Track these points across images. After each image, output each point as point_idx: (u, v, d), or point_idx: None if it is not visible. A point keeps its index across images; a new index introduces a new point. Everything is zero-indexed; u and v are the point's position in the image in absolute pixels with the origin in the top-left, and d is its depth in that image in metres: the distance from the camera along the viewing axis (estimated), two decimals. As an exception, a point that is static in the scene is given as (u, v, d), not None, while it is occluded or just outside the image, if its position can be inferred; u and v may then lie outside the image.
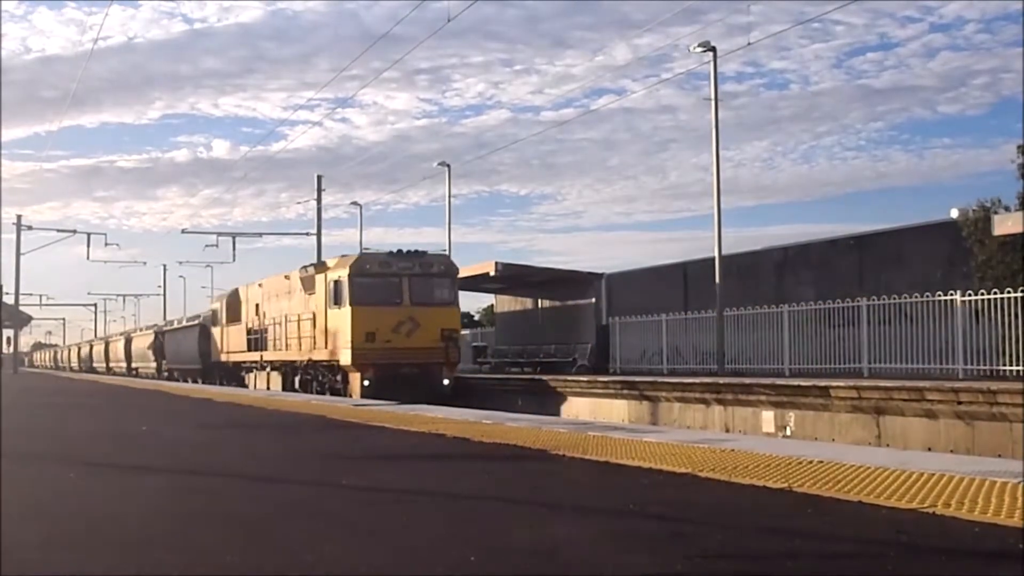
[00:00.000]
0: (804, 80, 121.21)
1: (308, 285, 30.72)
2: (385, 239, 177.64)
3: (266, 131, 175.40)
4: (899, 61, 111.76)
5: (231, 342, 40.68)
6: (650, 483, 7.11)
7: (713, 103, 28.14)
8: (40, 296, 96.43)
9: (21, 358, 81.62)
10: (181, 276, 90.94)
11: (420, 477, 7.93)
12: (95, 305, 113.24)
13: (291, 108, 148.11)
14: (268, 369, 35.23)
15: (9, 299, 58.28)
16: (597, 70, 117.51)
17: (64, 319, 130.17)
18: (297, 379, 31.51)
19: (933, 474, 6.70)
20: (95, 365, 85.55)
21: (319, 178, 48.11)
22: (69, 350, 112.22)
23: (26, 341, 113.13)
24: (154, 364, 58.32)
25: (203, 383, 42.39)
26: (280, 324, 33.87)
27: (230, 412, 18.25)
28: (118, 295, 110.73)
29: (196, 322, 48.76)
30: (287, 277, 33.46)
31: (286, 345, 33.11)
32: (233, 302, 41.22)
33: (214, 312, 43.97)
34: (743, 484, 6.72)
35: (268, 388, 33.65)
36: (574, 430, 11.28)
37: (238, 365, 39.67)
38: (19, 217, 60.52)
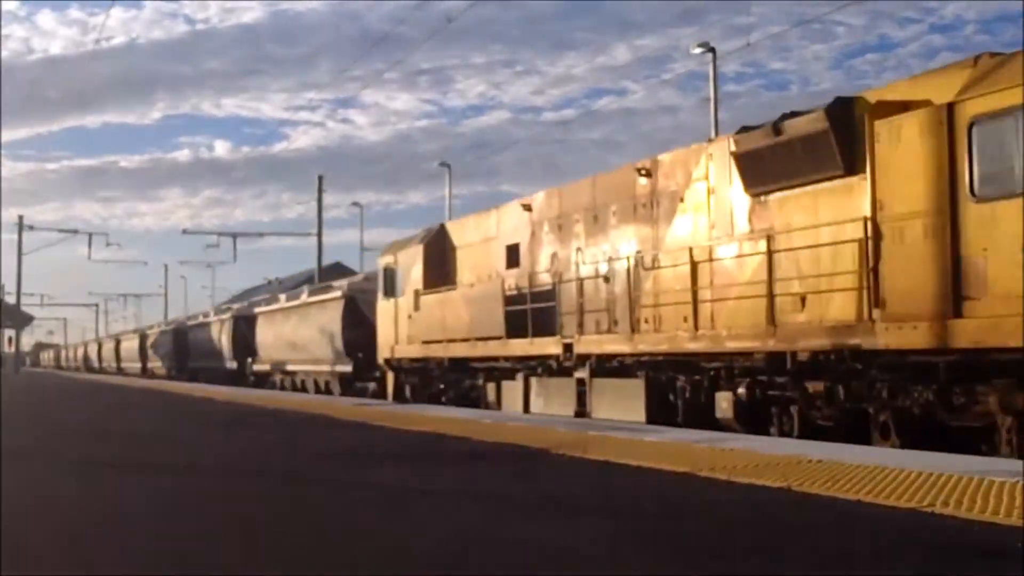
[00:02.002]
0: (804, 81, 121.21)
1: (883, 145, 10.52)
2: (386, 239, 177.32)
3: (267, 131, 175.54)
4: (899, 62, 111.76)
5: (439, 322, 19.85)
6: (650, 482, 7.13)
7: (713, 104, 28.18)
8: (41, 296, 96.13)
9: (23, 358, 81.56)
10: (182, 276, 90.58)
11: (420, 476, 7.94)
12: (96, 305, 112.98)
13: (292, 109, 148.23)
14: (584, 371, 15.35)
15: (11, 299, 58.34)
16: (597, 71, 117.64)
17: (65, 319, 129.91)
18: (744, 391, 12.30)
19: (932, 473, 6.71)
20: (124, 365, 65.32)
21: (320, 178, 48.13)
22: (85, 347, 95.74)
23: (27, 341, 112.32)
24: (232, 364, 39.09)
25: (343, 394, 26.77)
26: (620, 273, 14.88)
27: (231, 411, 18.25)
28: (119, 295, 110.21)
29: (335, 294, 28.35)
30: (643, 172, 14.80)
31: (679, 319, 13.60)
32: (437, 249, 21.13)
33: (386, 272, 22.79)
34: (742, 483, 6.73)
35: (581, 413, 15.12)
36: (575, 430, 11.30)
37: (462, 364, 19.45)
38: (21, 217, 60.57)
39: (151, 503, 6.73)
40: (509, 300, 17.35)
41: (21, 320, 58.57)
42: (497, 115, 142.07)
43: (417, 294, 20.81)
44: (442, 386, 20.36)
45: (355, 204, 64.54)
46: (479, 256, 19.60)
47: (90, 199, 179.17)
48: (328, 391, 28.27)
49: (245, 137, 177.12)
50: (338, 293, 28.02)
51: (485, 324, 17.83)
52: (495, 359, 17.97)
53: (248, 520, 5.94)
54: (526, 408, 16.61)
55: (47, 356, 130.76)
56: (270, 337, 34.48)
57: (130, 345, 63.82)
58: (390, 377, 22.70)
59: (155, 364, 55.01)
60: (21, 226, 59.40)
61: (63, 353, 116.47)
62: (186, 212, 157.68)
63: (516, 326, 16.95)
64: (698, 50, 28.76)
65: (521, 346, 16.98)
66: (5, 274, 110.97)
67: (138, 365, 59.32)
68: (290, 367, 32.28)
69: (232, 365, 39.20)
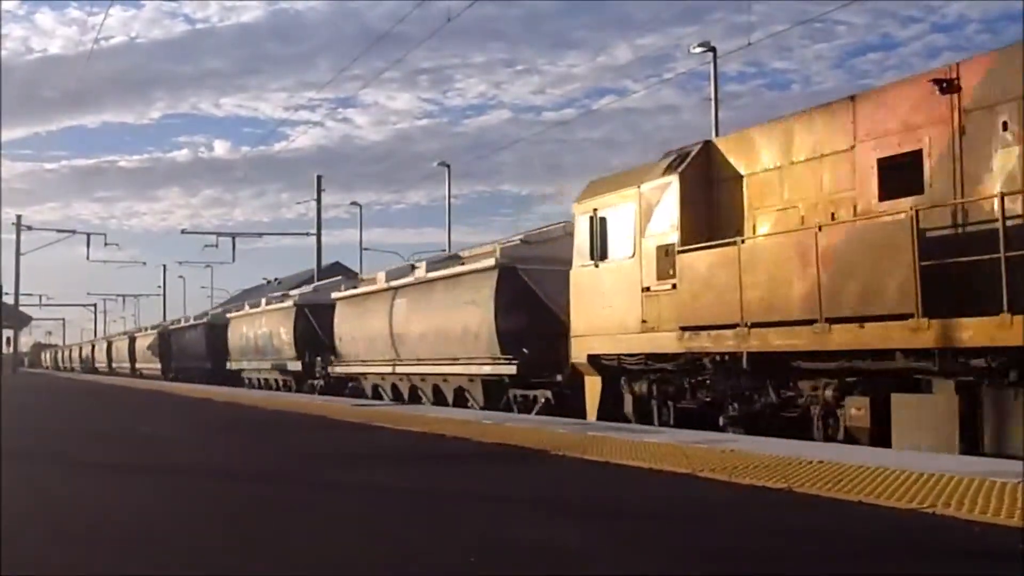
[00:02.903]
0: (806, 80, 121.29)
1: None
2: (386, 239, 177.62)
3: (267, 131, 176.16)
4: (901, 61, 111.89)
5: (726, 295, 11.74)
6: (651, 483, 7.12)
7: (713, 103, 28.18)
8: (40, 296, 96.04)
9: (20, 359, 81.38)
10: (180, 276, 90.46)
11: (420, 477, 7.93)
12: (95, 305, 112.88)
13: (292, 108, 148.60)
14: None
15: (9, 299, 58.35)
16: (598, 70, 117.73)
17: (64, 319, 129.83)
18: None
19: (933, 474, 6.70)
20: (140, 367, 57.90)
21: (319, 178, 48.07)
22: (92, 346, 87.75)
23: (25, 341, 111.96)
24: (293, 365, 30.90)
25: (486, 406, 18.54)
26: None
27: (230, 412, 18.24)
28: (117, 295, 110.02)
29: (485, 263, 19.34)
30: None
31: None
32: (702, 181, 13.21)
33: (592, 225, 14.61)
34: (743, 484, 6.72)
35: None
36: (575, 430, 11.28)
37: (774, 364, 11.40)
38: (19, 217, 60.56)
39: (149, 504, 6.73)
40: (923, 250, 9.58)
41: (20, 320, 58.58)
42: (497, 114, 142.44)
43: (668, 253, 12.91)
44: (708, 397, 12.59)
45: (354, 204, 64.34)
46: (800, 183, 11.85)
47: (88, 199, 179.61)
48: (460, 400, 19.81)
49: (244, 137, 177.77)
50: (489, 262, 18.78)
51: (860, 292, 10.17)
52: (887, 355, 10.07)
53: (244, 522, 5.93)
54: (975, 445, 9.05)
55: (47, 356, 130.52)
56: (358, 330, 25.19)
57: (147, 343, 55.99)
58: (593, 384, 14.67)
59: (181, 365, 47.10)
60: (19, 226, 59.43)
61: (62, 354, 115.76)
62: (185, 212, 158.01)
63: (933, 293, 9.51)
64: (699, 49, 28.76)
65: (978, 329, 8.99)
66: (4, 274, 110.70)
67: (157, 366, 51.84)
68: (396, 368, 23.19)
69: (294, 367, 30.88)
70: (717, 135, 24.74)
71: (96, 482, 8.12)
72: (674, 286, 12.65)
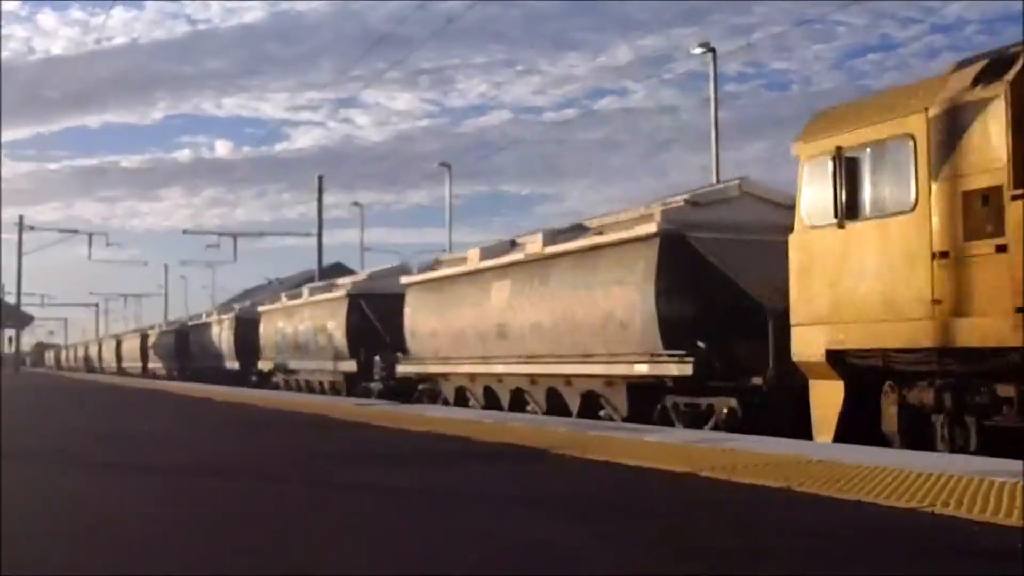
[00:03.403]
0: (806, 81, 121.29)
1: None
2: (387, 239, 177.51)
3: (268, 131, 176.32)
4: (900, 62, 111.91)
5: None
6: (651, 482, 7.12)
7: (713, 103, 28.21)
8: (41, 296, 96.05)
9: (23, 358, 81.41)
10: (182, 276, 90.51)
11: (420, 477, 7.93)
12: (96, 305, 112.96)
13: (293, 108, 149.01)
14: None
15: (11, 299, 58.38)
16: (599, 71, 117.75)
17: (65, 319, 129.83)
18: None
19: (932, 474, 6.70)
20: (152, 367, 54.82)
21: (320, 178, 48.09)
22: (99, 345, 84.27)
23: (27, 341, 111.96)
24: (348, 365, 26.68)
25: (632, 416, 14.33)
26: None
27: (231, 411, 18.25)
28: (119, 295, 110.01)
29: (642, 231, 14.48)
30: None
31: None
32: None
33: (835, 170, 10.32)
34: (743, 483, 6.73)
35: None
36: (575, 430, 11.29)
37: None
38: (21, 217, 60.63)
39: (149, 503, 6.73)
40: None
41: (21, 320, 58.64)
42: (498, 115, 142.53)
43: (986, 201, 8.96)
44: None
45: (355, 204, 64.45)
46: None
47: (91, 199, 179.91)
48: (588, 409, 15.54)
49: (246, 137, 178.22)
50: (647, 228, 14.31)
51: None
52: None
53: (244, 521, 5.94)
54: None
55: (49, 356, 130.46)
56: (439, 322, 20.82)
57: (162, 341, 52.83)
58: (830, 392, 10.51)
59: (203, 365, 42.67)
60: (21, 226, 59.48)
61: (66, 353, 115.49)
62: (187, 212, 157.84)
63: None
64: (699, 50, 28.82)
65: None
66: (5, 274, 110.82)
67: (173, 367, 48.98)
68: (494, 368, 18.48)
69: (347, 367, 26.58)
70: (717, 135, 24.21)
71: (96, 482, 8.13)
72: (1000, 248, 8.81)
